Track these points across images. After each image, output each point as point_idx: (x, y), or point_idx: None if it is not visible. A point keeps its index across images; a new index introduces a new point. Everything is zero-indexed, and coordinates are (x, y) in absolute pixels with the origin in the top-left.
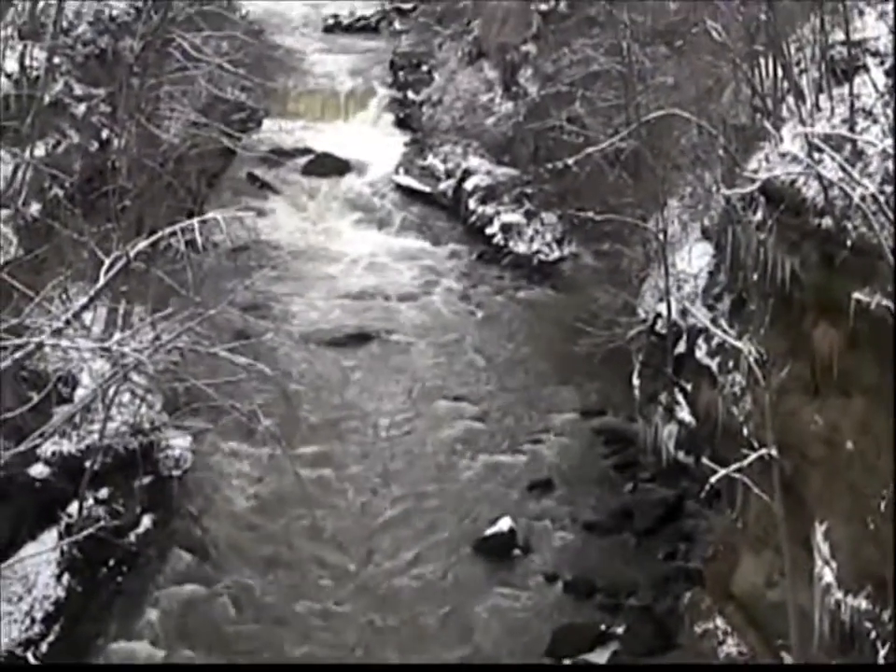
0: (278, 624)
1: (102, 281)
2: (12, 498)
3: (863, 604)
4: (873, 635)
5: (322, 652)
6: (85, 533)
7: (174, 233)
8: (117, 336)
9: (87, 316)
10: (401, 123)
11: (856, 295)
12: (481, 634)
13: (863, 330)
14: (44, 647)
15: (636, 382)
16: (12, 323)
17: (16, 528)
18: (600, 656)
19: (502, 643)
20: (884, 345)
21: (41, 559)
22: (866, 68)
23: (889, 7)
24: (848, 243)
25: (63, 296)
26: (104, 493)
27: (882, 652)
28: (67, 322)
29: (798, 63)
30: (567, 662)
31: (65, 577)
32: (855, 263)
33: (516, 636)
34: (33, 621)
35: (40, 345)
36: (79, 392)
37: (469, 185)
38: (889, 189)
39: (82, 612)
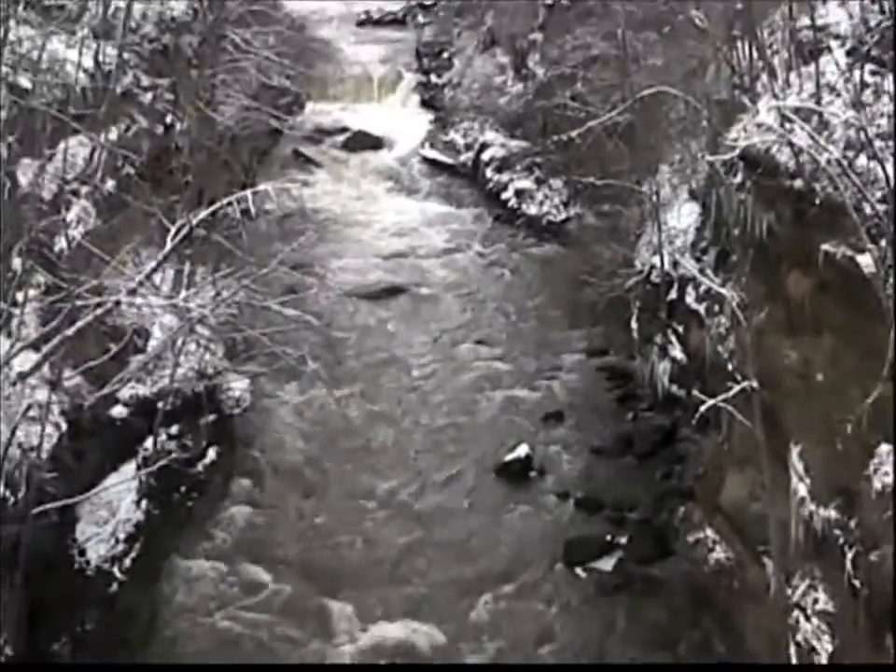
0: (325, 537)
1: (169, 246)
2: (97, 436)
3: (833, 514)
4: (841, 541)
5: (362, 562)
6: (159, 464)
7: (230, 203)
8: (183, 294)
9: (157, 277)
10: (426, 103)
11: (824, 246)
12: (503, 545)
13: (831, 277)
14: (127, 562)
15: (634, 325)
16: (93, 284)
17: (101, 461)
18: (606, 563)
19: (522, 551)
20: (849, 290)
21: (122, 488)
22: (830, 49)
23: None
24: (817, 201)
25: (136, 260)
26: (174, 430)
27: (849, 555)
28: (140, 283)
29: (771, 46)
30: (580, 567)
31: (143, 502)
32: (823, 219)
33: (534, 546)
34: (117, 540)
35: (117, 303)
36: (152, 343)
37: (485, 156)
38: (851, 154)
39: (158, 533)
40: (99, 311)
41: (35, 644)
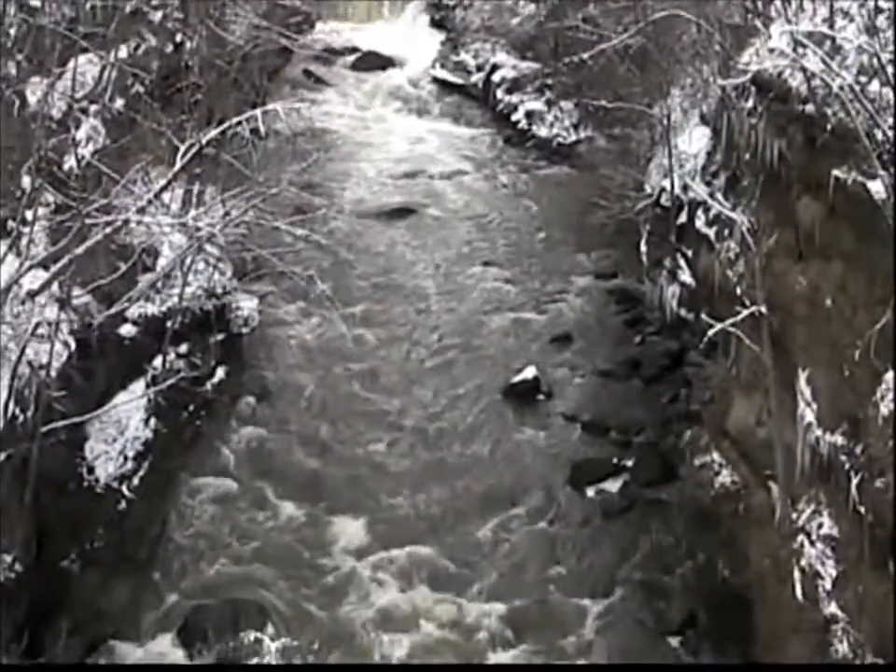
0: (333, 456)
1: (178, 165)
2: (106, 355)
3: (839, 440)
4: (847, 467)
5: (370, 481)
6: (168, 383)
7: (240, 122)
8: (192, 213)
9: (166, 196)
10: (437, 24)
11: (834, 172)
12: (510, 466)
13: (841, 203)
14: (135, 480)
15: (643, 249)
16: (102, 203)
17: (109, 380)
18: (613, 485)
19: (529, 473)
20: (859, 216)
21: (131, 406)
22: None
23: None
24: (828, 127)
25: (145, 179)
26: (183, 348)
27: (854, 481)
28: (149, 201)
29: None
30: (586, 489)
31: (152, 421)
32: (834, 144)
33: (542, 466)
34: (126, 458)
35: (126, 222)
36: (161, 262)
37: (496, 77)
38: (864, 79)
39: (167, 451)
40: (108, 230)
41: (43, 562)
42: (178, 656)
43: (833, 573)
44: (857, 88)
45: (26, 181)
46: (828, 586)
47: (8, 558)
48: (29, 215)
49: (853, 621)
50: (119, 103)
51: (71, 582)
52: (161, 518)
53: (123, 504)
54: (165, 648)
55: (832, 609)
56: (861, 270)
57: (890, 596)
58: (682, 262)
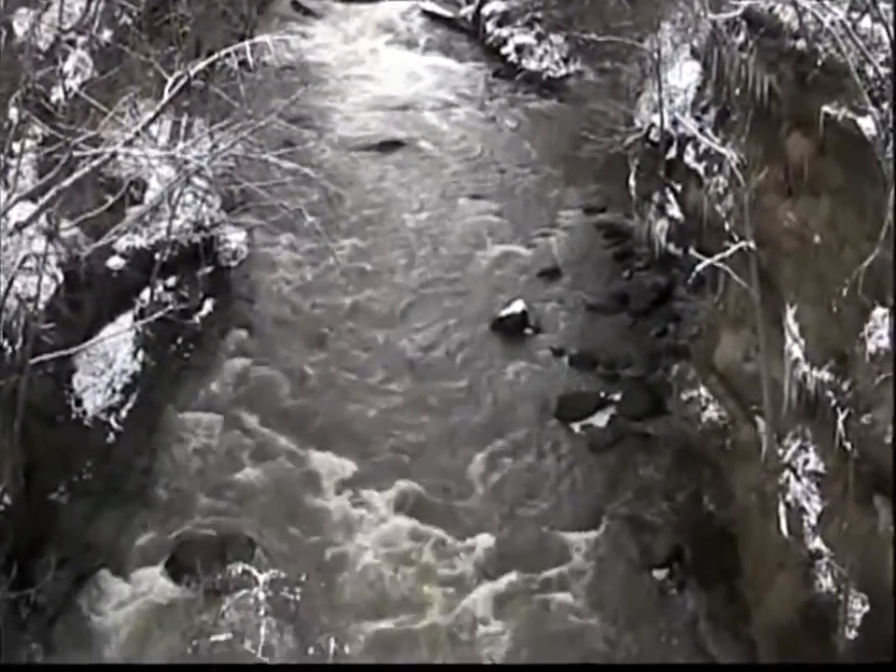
0: (321, 389)
1: (166, 97)
2: (93, 287)
3: (826, 376)
4: (833, 403)
5: (358, 415)
6: (156, 316)
7: (228, 55)
8: (180, 145)
9: (154, 129)
10: None
11: (825, 108)
12: (498, 399)
13: (831, 140)
14: (123, 413)
15: (632, 183)
16: (89, 135)
17: (97, 313)
18: (600, 419)
19: (517, 407)
20: (848, 153)
21: (119, 339)
22: None
23: None
24: (819, 62)
25: (133, 111)
26: (171, 281)
27: (841, 417)
28: (137, 134)
29: None
30: (573, 423)
31: (140, 354)
32: (825, 80)
33: (529, 400)
34: (114, 391)
35: (114, 154)
36: (149, 195)
37: (486, 10)
38: (855, 15)
39: (155, 384)
40: (96, 162)
41: (32, 494)
42: (166, 588)
43: (819, 508)
44: (848, 24)
45: (13, 113)
46: (813, 521)
47: None
48: (16, 147)
49: (838, 555)
50: (107, 34)
51: (59, 514)
52: (149, 450)
53: (111, 436)
54: (153, 580)
55: (816, 543)
56: (849, 206)
57: (875, 531)
58: (671, 197)
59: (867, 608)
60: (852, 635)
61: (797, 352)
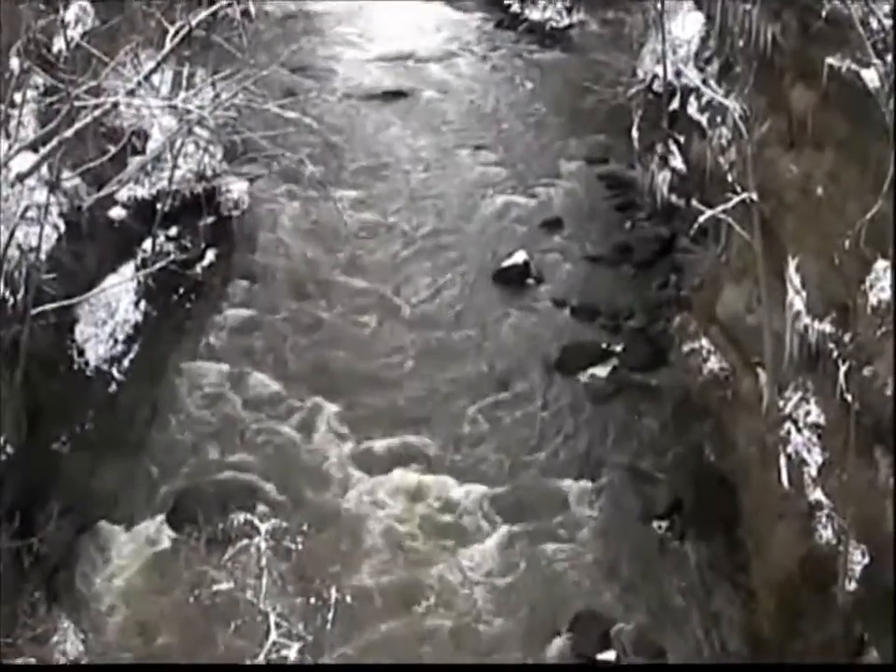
0: (322, 340)
1: (168, 47)
2: (95, 237)
3: (828, 328)
4: (835, 355)
5: (359, 365)
6: (158, 266)
7: (230, 4)
8: (182, 95)
9: (155, 79)
10: None
11: (829, 60)
12: (499, 349)
13: (834, 91)
14: (125, 363)
15: (635, 134)
16: (91, 85)
17: (99, 263)
18: (602, 370)
19: (518, 357)
20: (852, 105)
21: (121, 289)
22: None
23: None
24: (823, 14)
25: (135, 61)
26: (173, 231)
27: (842, 369)
28: (139, 84)
29: None
30: (575, 374)
31: (142, 304)
32: (829, 32)
33: (531, 351)
34: (116, 341)
35: (116, 104)
36: (150, 144)
37: None
38: None
39: (157, 334)
40: (97, 112)
41: (34, 443)
42: (168, 537)
43: (819, 460)
44: None
45: (14, 63)
46: (813, 473)
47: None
48: (18, 97)
49: (838, 507)
50: None
51: (62, 464)
52: (151, 401)
53: (113, 386)
54: (155, 529)
55: (817, 495)
56: (852, 158)
57: (875, 483)
58: (674, 148)
59: (867, 559)
60: (852, 586)
61: (799, 304)
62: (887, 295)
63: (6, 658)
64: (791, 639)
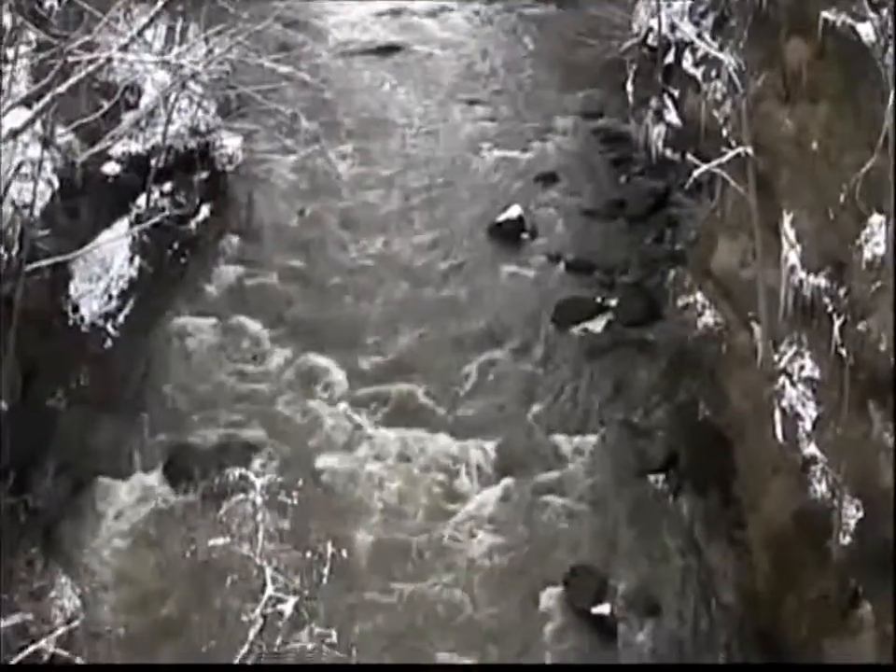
0: (317, 295)
1: (161, 1)
2: (89, 193)
3: (823, 282)
4: (829, 309)
5: (354, 320)
6: (152, 221)
7: None
8: (175, 50)
9: (149, 34)
10: None
11: (824, 14)
12: (495, 304)
13: (830, 45)
14: (120, 319)
15: (629, 88)
16: (84, 40)
17: (94, 219)
18: (596, 325)
19: (513, 312)
20: (847, 59)
21: (116, 245)
22: None
23: None
24: None
25: (128, 16)
26: (167, 187)
27: (837, 324)
28: (132, 39)
29: None
30: (570, 328)
31: (137, 259)
32: None
33: (526, 305)
34: (110, 297)
35: (109, 59)
36: (144, 100)
37: None
38: None
39: (152, 289)
40: (91, 67)
41: (29, 400)
42: (164, 493)
43: (814, 414)
44: None
45: (7, 19)
46: (808, 427)
47: None
48: (10, 53)
49: (832, 461)
50: None
51: (57, 421)
52: (146, 356)
53: (108, 343)
54: (151, 485)
55: (811, 449)
56: (847, 113)
57: (869, 438)
58: (669, 102)
59: (861, 513)
60: (846, 540)
61: (794, 258)
62: (881, 250)
63: (3, 614)
64: (785, 594)
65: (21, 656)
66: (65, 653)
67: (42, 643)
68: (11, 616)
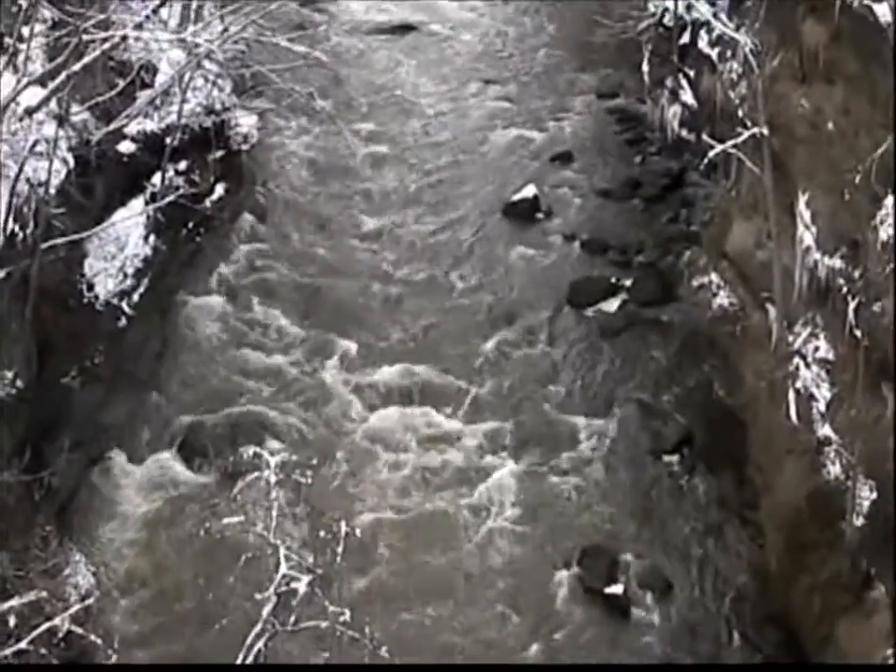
0: (331, 274)
1: None
2: (104, 172)
3: (837, 263)
4: (844, 290)
5: (369, 299)
6: (167, 200)
7: None
8: (190, 28)
9: (164, 12)
10: None
11: None
12: (509, 284)
13: (846, 26)
14: (135, 297)
15: (645, 68)
16: (100, 19)
17: (109, 197)
18: (611, 305)
19: (528, 292)
20: (863, 39)
21: (130, 223)
22: None
23: None
24: None
25: None
26: (182, 165)
27: (852, 305)
28: (147, 17)
29: None
30: (584, 309)
31: (151, 238)
32: None
33: (540, 285)
34: (125, 275)
35: (124, 38)
36: (159, 78)
37: None
38: None
39: (167, 268)
40: (106, 46)
41: (44, 378)
42: (178, 471)
43: (828, 395)
44: None
45: None
46: (822, 408)
47: (9, 374)
48: (26, 31)
49: (846, 443)
50: None
51: (72, 398)
52: (161, 335)
53: (123, 321)
54: (165, 462)
55: (825, 430)
56: (864, 93)
57: (883, 419)
58: (684, 82)
59: (874, 494)
60: (859, 522)
61: (809, 239)
62: None
63: (18, 591)
64: (798, 574)
65: (35, 633)
66: (79, 630)
67: (56, 620)
68: (26, 593)
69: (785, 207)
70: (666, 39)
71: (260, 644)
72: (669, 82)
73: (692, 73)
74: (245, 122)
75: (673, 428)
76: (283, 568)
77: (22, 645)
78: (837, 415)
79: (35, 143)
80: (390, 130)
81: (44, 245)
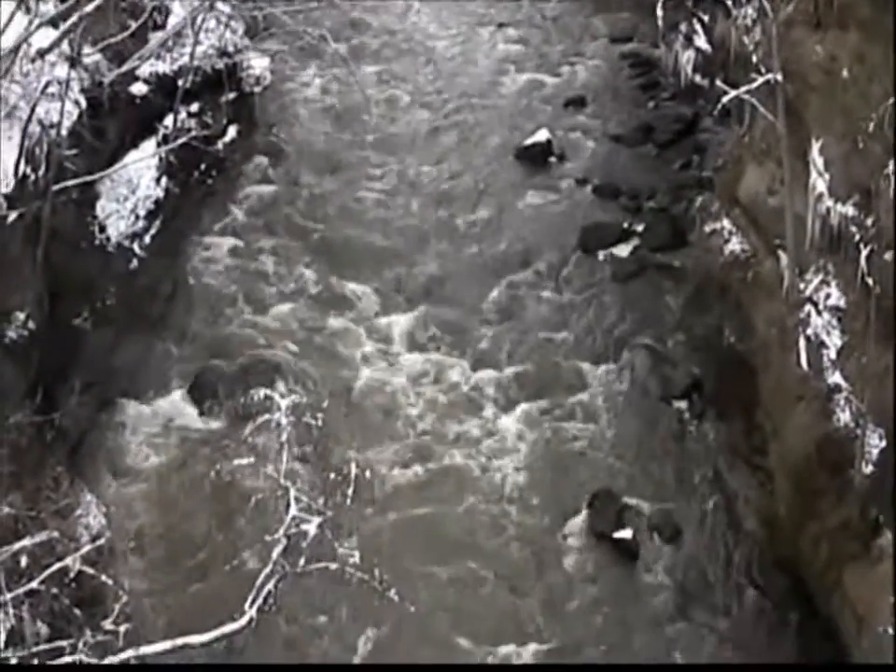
0: (343, 217)
1: None
2: (116, 113)
3: (850, 211)
4: (856, 238)
5: (381, 242)
6: (179, 142)
7: None
8: None
9: None
10: None
11: None
12: (521, 228)
13: None
14: (147, 239)
15: (659, 13)
16: None
17: (120, 139)
18: (623, 250)
19: (539, 236)
20: None
21: (143, 165)
22: None
23: None
24: None
25: None
26: (195, 107)
27: (864, 253)
28: None
29: None
30: (596, 253)
31: (163, 180)
32: None
33: (552, 230)
34: (137, 217)
35: None
36: (172, 20)
37: None
38: None
39: (178, 210)
40: None
41: (56, 320)
42: (189, 413)
43: (839, 343)
44: None
45: None
46: (832, 356)
47: (21, 315)
48: None
49: (856, 391)
50: None
51: (83, 340)
52: (172, 277)
53: (135, 263)
54: (176, 405)
55: (835, 378)
56: (878, 40)
57: (892, 367)
58: (698, 28)
59: (883, 443)
60: (868, 469)
61: (821, 186)
62: None
63: (30, 531)
64: (806, 521)
65: (47, 573)
66: (91, 570)
67: (68, 560)
68: (38, 533)
69: (798, 154)
70: None
71: (270, 585)
72: (683, 27)
73: (706, 18)
74: (258, 64)
75: (683, 374)
76: (293, 510)
77: (34, 585)
78: (848, 363)
79: (48, 84)
80: (403, 73)
81: (56, 187)
